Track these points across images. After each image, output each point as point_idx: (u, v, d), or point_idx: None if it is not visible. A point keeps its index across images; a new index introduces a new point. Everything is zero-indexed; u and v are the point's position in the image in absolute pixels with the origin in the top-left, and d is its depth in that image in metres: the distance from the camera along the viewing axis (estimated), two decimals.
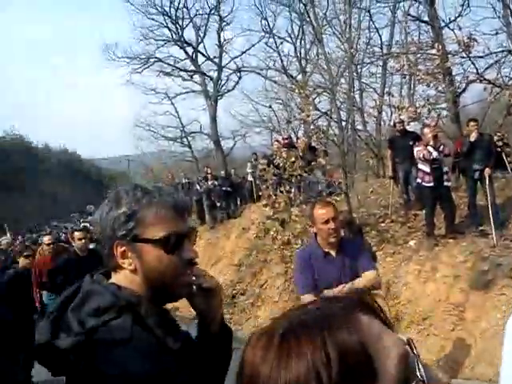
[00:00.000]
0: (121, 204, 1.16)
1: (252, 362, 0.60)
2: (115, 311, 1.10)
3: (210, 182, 16.00)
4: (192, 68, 23.16)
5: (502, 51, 7.91)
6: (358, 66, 12.62)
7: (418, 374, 0.55)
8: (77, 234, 5.95)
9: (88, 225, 31.08)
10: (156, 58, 22.93)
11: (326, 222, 3.25)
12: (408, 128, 9.22)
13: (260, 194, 12.67)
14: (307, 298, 3.29)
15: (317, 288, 3.29)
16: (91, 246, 9.28)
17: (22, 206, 61.34)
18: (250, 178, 16.13)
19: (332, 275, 3.30)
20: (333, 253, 3.36)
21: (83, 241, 5.79)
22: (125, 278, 1.18)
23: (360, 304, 0.61)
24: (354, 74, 12.55)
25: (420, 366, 0.56)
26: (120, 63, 22.63)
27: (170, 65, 23.16)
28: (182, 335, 1.21)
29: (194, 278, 1.21)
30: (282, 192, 10.39)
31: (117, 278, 1.19)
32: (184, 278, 1.19)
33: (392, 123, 9.94)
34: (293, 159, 10.10)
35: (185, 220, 1.22)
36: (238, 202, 15.99)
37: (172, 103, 23.84)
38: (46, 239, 7.51)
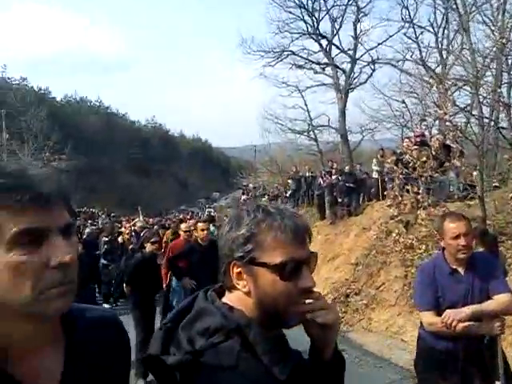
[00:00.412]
0: (241, 224, 1.16)
1: None
2: (224, 333, 1.09)
3: (333, 177, 15.74)
4: (325, 61, 23.14)
5: None
6: (509, 58, 11.28)
7: None
8: (200, 224, 6.37)
9: (212, 211, 32.88)
10: (289, 51, 23.44)
11: (457, 237, 2.91)
12: None
13: (385, 192, 12.16)
14: (427, 315, 3.01)
15: (439, 306, 2.97)
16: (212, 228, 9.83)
17: (156, 189, 67.06)
18: (374, 174, 15.56)
19: (458, 295, 2.95)
20: (461, 270, 2.98)
21: (205, 232, 6.17)
22: (238, 299, 1.17)
23: None
24: (503, 65, 11.26)
25: None
26: (254, 57, 23.35)
27: (303, 58, 23.47)
28: (292, 361, 1.15)
29: (309, 308, 1.15)
30: (408, 192, 9.85)
31: (230, 298, 1.19)
32: (298, 307, 1.14)
33: None
34: (424, 159, 9.53)
35: (304, 245, 1.17)
36: (361, 199, 15.51)
37: (302, 96, 23.99)
38: (183, 226, 7.90)
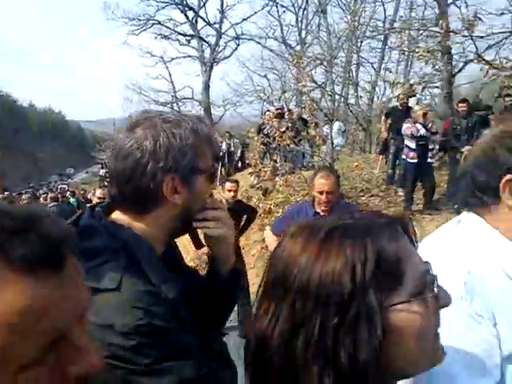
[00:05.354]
0: None
1: (291, 252, 0.65)
2: (109, 254, 0.98)
3: None
4: (191, 32, 22.96)
5: (504, 32, 7.83)
6: (359, 40, 12.51)
7: (435, 289, 0.65)
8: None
9: (66, 187, 30.73)
10: (155, 20, 22.82)
11: (321, 192, 3.33)
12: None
13: (246, 162, 12.59)
14: (270, 236, 3.64)
15: None
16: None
17: (1, 165, 60.23)
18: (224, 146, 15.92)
19: None
20: (323, 214, 3.34)
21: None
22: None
23: (400, 223, 0.69)
24: (354, 47, 12.44)
25: (437, 284, 0.66)
26: (118, 23, 22.38)
27: (169, 28, 23.01)
28: (185, 279, 1.09)
29: (200, 217, 1.11)
30: (267, 160, 10.40)
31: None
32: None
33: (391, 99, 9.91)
34: (283, 129, 10.10)
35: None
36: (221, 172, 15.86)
37: (166, 67, 23.64)
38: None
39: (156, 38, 23.16)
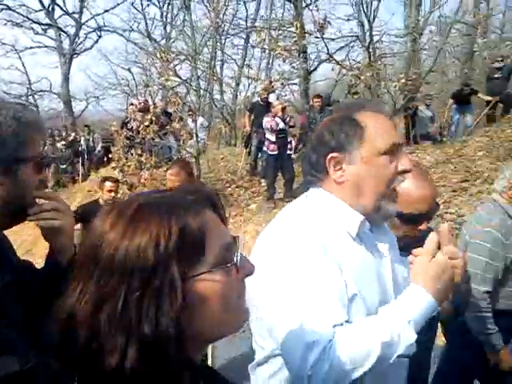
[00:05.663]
0: None
1: (101, 230, 0.66)
2: None
3: (58, 145, 14.90)
4: (47, 21, 21.33)
5: (352, 36, 8.68)
6: (222, 37, 12.82)
7: (235, 259, 0.70)
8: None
9: None
10: (4, 5, 20.73)
11: (171, 189, 3.34)
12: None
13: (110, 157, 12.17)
14: None
15: None
16: None
17: None
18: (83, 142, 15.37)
19: None
20: None
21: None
22: None
23: (208, 201, 0.73)
24: (218, 44, 12.71)
25: (239, 254, 0.71)
26: None
27: (22, 15, 21.08)
28: (14, 274, 1.04)
29: (36, 210, 1.07)
30: (132, 155, 10.14)
31: None
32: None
33: (254, 93, 10.31)
34: (147, 123, 9.94)
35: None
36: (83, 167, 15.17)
37: (19, 57, 21.73)
38: None
39: (6, 24, 21.12)
